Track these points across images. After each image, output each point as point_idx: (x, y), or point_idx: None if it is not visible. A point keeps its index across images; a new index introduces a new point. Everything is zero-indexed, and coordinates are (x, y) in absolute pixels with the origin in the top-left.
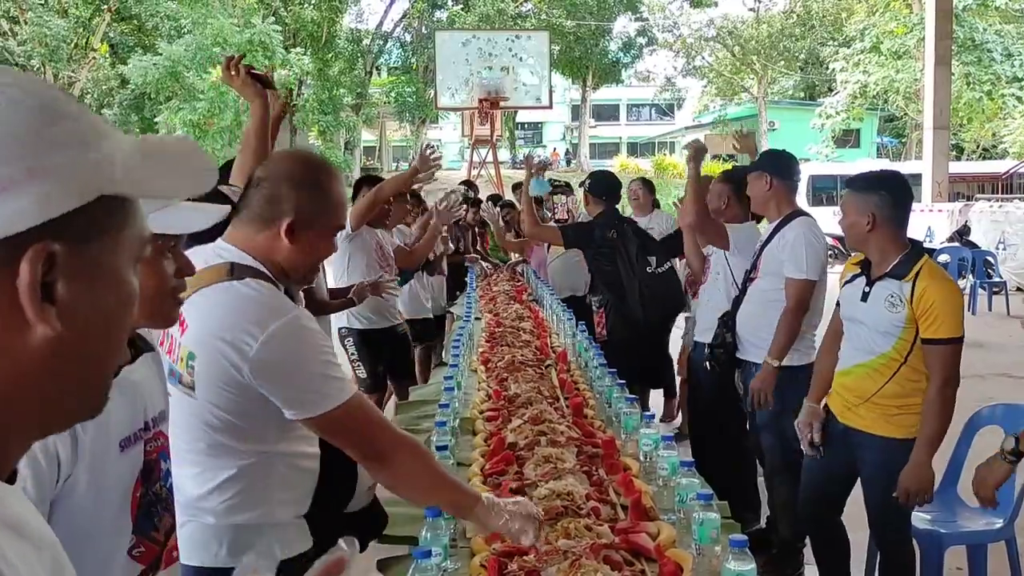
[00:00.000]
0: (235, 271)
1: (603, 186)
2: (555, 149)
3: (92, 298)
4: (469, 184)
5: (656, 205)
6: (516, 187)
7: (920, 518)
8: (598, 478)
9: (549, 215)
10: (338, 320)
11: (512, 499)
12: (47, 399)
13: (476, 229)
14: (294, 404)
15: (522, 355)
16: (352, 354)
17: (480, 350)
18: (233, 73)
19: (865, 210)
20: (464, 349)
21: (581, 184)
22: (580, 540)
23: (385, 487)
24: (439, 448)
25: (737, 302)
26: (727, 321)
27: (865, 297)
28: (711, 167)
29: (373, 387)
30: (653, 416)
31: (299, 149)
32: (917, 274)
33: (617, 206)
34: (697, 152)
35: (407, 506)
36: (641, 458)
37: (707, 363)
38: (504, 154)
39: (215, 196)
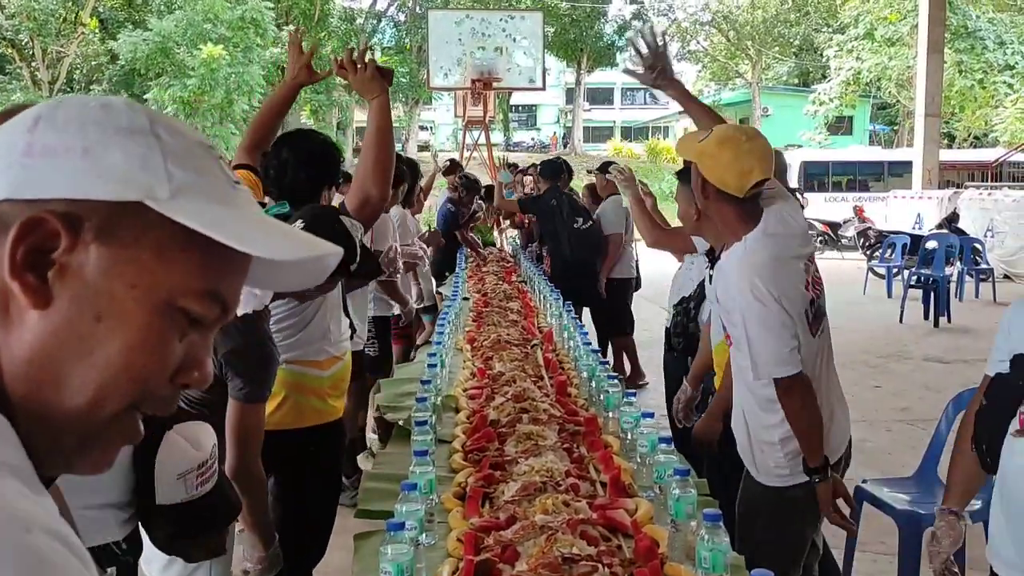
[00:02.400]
0: None
1: (549, 170)
2: (554, 134)
3: (99, 304)
4: (454, 163)
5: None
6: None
7: (899, 499)
8: (578, 455)
9: (519, 191)
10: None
11: None
12: (27, 387)
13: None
14: None
15: (508, 334)
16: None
17: (467, 329)
18: (359, 67)
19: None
20: (450, 328)
21: (533, 167)
22: (557, 515)
23: None
24: (418, 424)
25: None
26: (687, 307)
27: (710, 279)
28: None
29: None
30: (635, 394)
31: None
32: None
33: (559, 183)
34: (627, 179)
35: (386, 481)
36: (622, 435)
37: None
38: (497, 136)
39: None
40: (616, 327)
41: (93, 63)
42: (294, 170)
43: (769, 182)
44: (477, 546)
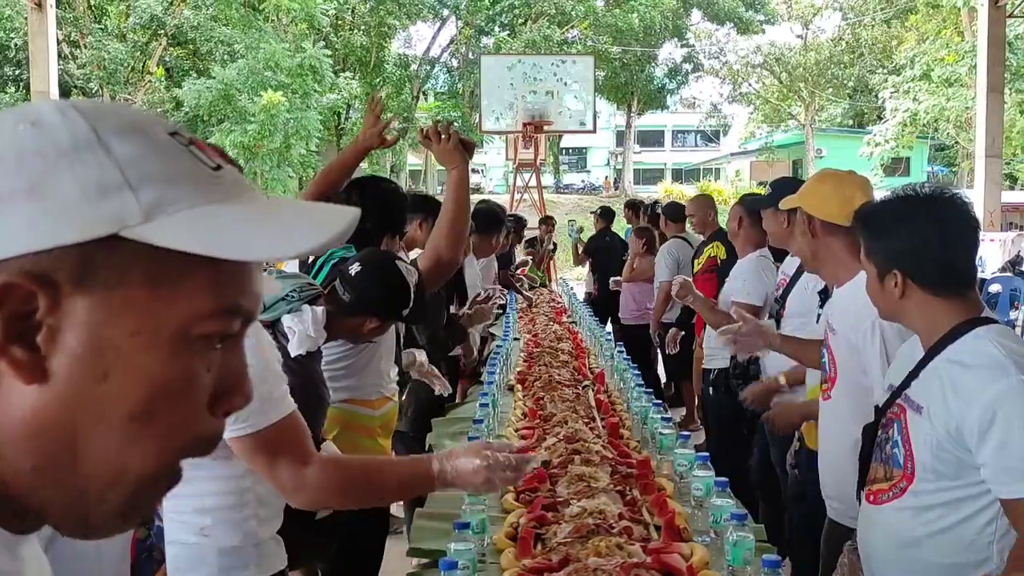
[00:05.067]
0: None
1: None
2: (607, 178)
3: (99, 363)
4: (516, 219)
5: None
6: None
7: None
8: (631, 497)
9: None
10: None
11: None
12: (36, 475)
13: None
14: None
15: (559, 375)
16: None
17: (517, 369)
18: (443, 138)
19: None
20: (501, 368)
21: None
22: (611, 559)
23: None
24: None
25: None
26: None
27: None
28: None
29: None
30: (688, 436)
31: None
32: None
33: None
34: (684, 290)
35: (438, 520)
36: (676, 478)
37: (723, 387)
38: (548, 178)
39: None
40: (681, 372)
41: (159, 110)
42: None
43: None
44: None
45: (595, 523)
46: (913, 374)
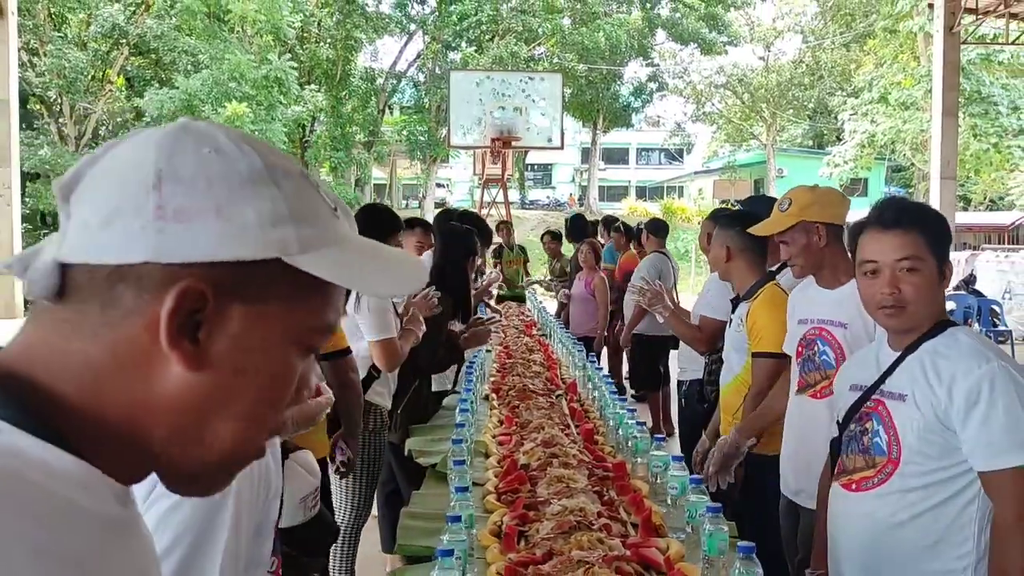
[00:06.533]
0: None
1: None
2: (571, 195)
3: (239, 359)
4: (504, 224)
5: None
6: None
7: None
8: (608, 498)
9: None
10: None
11: None
12: (161, 452)
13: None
14: None
15: (533, 384)
16: None
17: (491, 379)
18: None
19: (723, 243)
20: (476, 378)
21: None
22: (593, 552)
23: None
24: (456, 463)
25: None
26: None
27: (730, 322)
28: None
29: None
30: (664, 439)
31: None
32: (757, 297)
33: None
34: (655, 299)
35: (423, 520)
36: (651, 479)
37: (696, 398)
38: (513, 194)
39: None
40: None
41: (119, 119)
42: None
43: None
44: None
45: (576, 520)
46: (888, 372)
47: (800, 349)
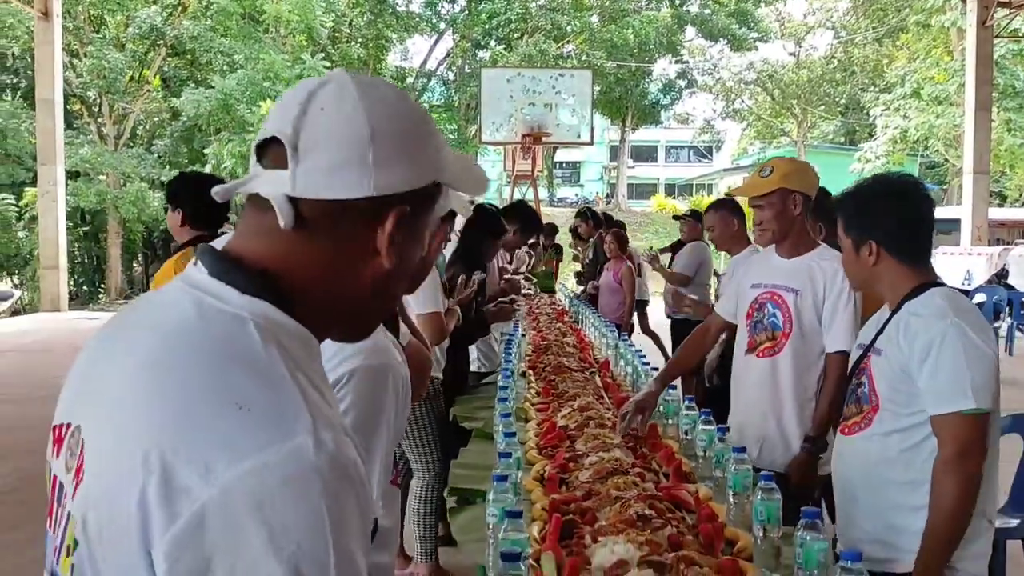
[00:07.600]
0: None
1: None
2: (597, 193)
3: (410, 250)
4: (551, 227)
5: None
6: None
7: None
8: (641, 453)
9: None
10: None
11: None
12: (353, 311)
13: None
14: None
15: (568, 362)
16: None
17: (527, 358)
18: None
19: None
20: (515, 355)
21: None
22: (628, 492)
23: None
24: (503, 416)
25: None
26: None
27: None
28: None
29: None
30: (693, 399)
31: None
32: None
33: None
34: (654, 260)
35: (471, 469)
36: (681, 435)
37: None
38: (543, 192)
39: None
40: None
41: (156, 119)
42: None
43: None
44: (561, 511)
45: (612, 467)
46: (880, 331)
47: (751, 311)
